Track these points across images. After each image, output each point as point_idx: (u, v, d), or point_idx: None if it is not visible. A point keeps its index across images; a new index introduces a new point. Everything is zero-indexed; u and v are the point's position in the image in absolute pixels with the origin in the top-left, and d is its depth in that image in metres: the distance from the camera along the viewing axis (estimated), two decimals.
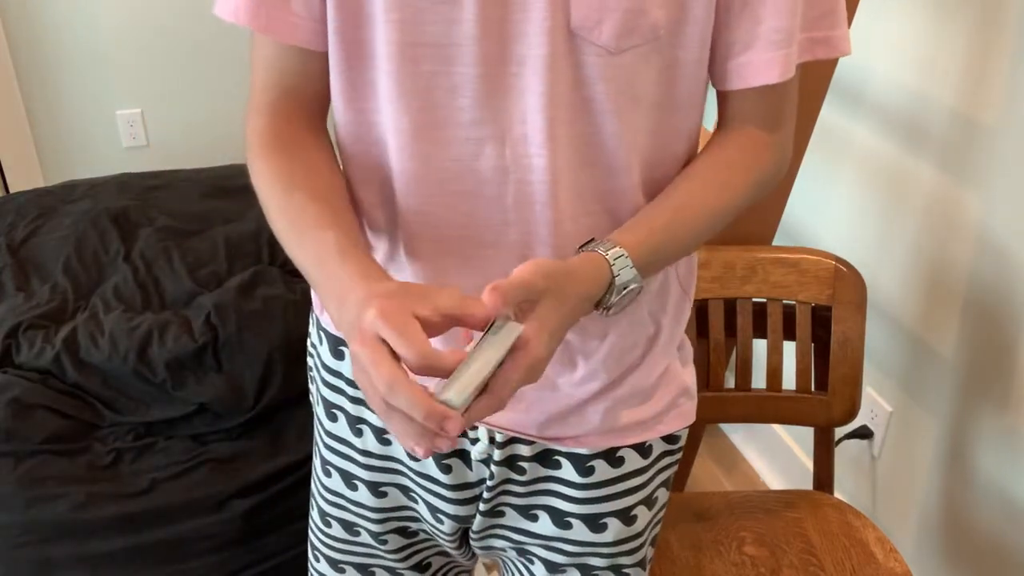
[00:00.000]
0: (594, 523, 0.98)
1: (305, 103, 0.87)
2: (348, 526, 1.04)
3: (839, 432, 1.71)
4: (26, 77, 2.73)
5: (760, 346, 1.46)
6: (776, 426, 2.09)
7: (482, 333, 0.70)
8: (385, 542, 1.04)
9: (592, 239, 0.82)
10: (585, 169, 0.83)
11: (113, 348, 1.71)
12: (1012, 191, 1.39)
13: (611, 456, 0.95)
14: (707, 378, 1.44)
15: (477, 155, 0.81)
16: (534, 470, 0.96)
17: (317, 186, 0.83)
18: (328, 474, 1.03)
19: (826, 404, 1.43)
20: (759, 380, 1.45)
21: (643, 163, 0.85)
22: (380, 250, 0.90)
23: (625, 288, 0.79)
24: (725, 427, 2.29)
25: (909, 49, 1.54)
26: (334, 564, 1.08)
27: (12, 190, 2.77)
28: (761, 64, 0.83)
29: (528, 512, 0.99)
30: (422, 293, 0.70)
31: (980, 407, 1.53)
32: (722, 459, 2.21)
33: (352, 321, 0.70)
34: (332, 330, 0.96)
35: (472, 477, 0.96)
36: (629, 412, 0.94)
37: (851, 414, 1.43)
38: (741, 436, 2.24)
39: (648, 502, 1.00)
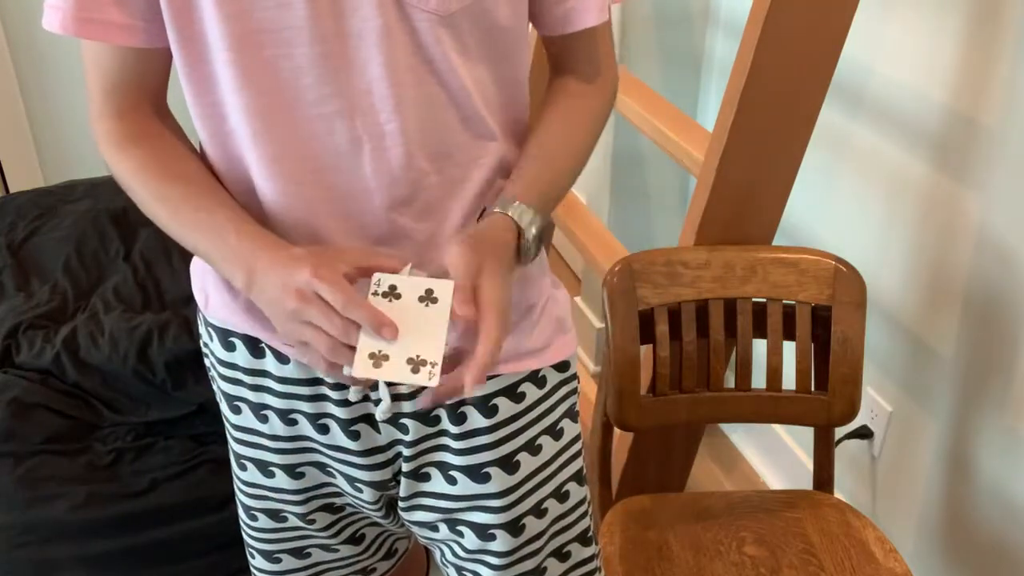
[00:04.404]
0: (507, 463, 0.99)
1: (148, 92, 0.91)
2: (274, 514, 1.05)
3: (839, 432, 1.71)
4: (26, 77, 2.73)
5: (760, 346, 1.46)
6: (776, 426, 2.09)
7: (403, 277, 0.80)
8: (313, 522, 1.05)
9: (484, 208, 0.91)
10: (438, 128, 0.86)
11: (113, 348, 1.71)
12: (1012, 191, 1.39)
13: (512, 392, 0.97)
14: (707, 378, 1.44)
15: (330, 130, 0.84)
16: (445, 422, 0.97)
17: (189, 170, 0.88)
18: (243, 468, 1.04)
19: (826, 404, 1.43)
20: (759, 380, 1.45)
21: (496, 110, 0.90)
22: None
23: (532, 226, 0.88)
24: (725, 427, 2.29)
25: (909, 49, 1.54)
26: (269, 556, 1.08)
27: (12, 190, 2.77)
28: (583, 9, 0.91)
29: (448, 472, 0.99)
30: (336, 253, 0.80)
31: (980, 407, 1.53)
32: (722, 459, 2.21)
33: (277, 285, 0.78)
34: (219, 324, 0.97)
35: (381, 440, 0.98)
36: (522, 337, 0.97)
37: (851, 414, 1.43)
38: (741, 436, 2.24)
39: (552, 432, 1.01)
